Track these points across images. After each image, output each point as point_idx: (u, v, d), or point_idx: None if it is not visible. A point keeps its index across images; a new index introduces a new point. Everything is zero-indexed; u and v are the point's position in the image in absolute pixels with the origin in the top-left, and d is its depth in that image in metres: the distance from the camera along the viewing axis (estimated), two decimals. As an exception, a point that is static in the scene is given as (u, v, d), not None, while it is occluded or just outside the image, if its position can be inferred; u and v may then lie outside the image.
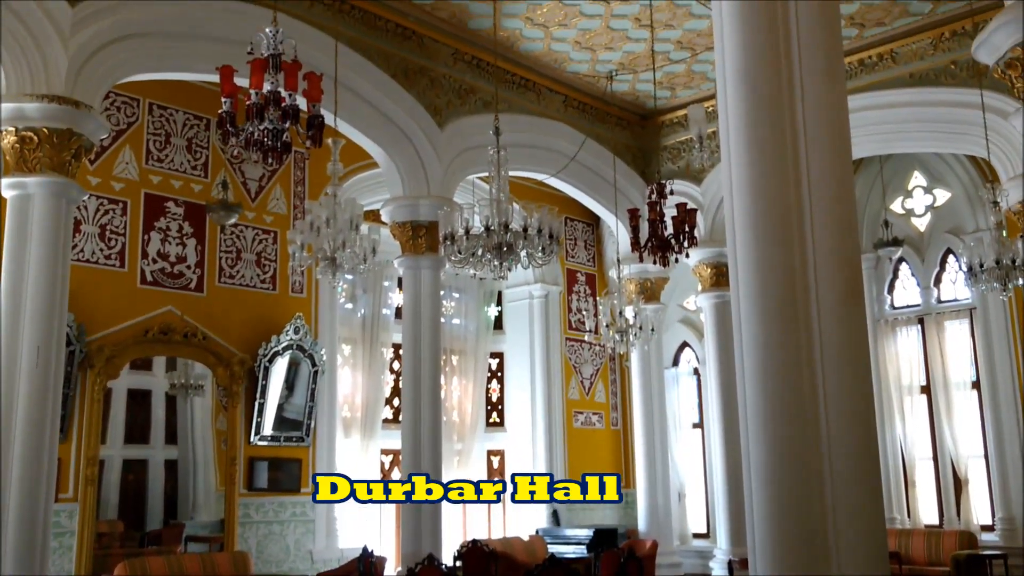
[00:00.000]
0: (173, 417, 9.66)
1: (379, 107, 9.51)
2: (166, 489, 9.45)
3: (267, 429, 9.76)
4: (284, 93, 4.90)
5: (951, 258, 12.53)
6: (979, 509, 11.83)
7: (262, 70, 4.87)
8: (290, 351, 9.91)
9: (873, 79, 10.38)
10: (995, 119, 9.07)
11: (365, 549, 8.80)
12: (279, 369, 9.85)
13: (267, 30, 5.03)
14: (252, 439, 9.66)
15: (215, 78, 5.30)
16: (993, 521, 11.59)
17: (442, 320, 10.15)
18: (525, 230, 6.51)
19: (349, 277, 6.94)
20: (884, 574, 3.78)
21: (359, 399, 11.16)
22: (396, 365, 11.55)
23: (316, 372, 10.11)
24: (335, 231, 6.84)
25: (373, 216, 10.58)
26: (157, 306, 9.19)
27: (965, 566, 10.54)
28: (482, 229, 6.54)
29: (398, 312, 11.26)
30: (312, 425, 10.12)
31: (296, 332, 9.97)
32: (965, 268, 8.74)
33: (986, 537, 11.53)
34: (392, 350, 11.56)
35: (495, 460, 13.17)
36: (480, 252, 6.57)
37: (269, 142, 4.89)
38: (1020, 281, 8.42)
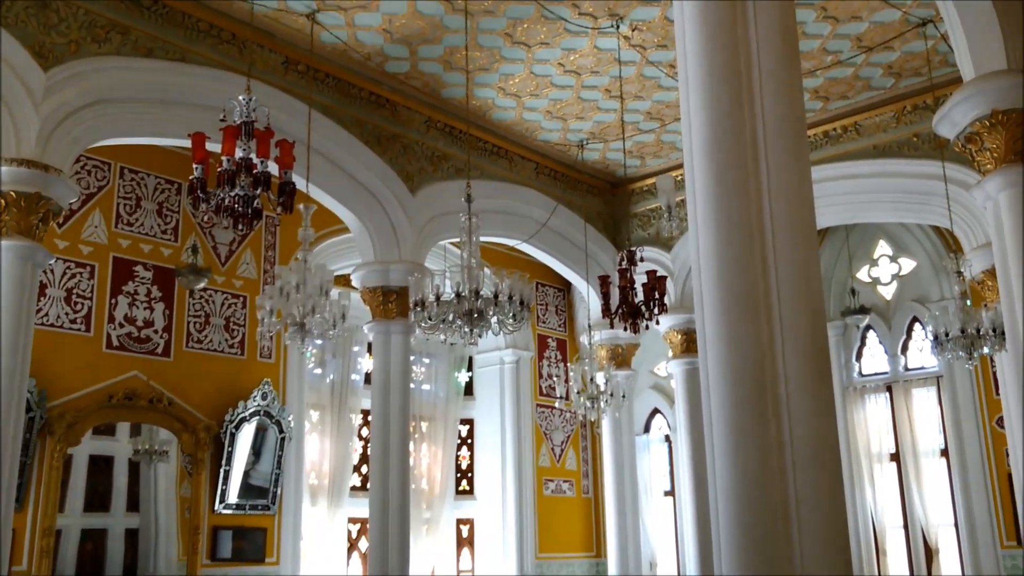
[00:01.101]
0: (135, 484, 9.42)
1: (351, 173, 9.56)
2: (125, 560, 9.17)
3: (232, 497, 9.57)
4: (256, 160, 4.92)
5: (917, 326, 12.67)
6: (951, 578, 11.80)
7: (234, 137, 4.90)
8: (257, 417, 9.78)
9: (838, 150, 10.59)
10: (957, 190, 9.25)
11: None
12: (246, 435, 9.70)
13: (240, 97, 5.07)
14: (217, 507, 9.45)
15: (187, 143, 5.31)
16: (965, 590, 11.55)
17: (412, 386, 10.07)
18: (496, 296, 6.51)
19: (318, 342, 6.89)
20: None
21: (327, 466, 10.98)
22: (364, 431, 11.41)
23: (283, 439, 9.96)
24: (305, 296, 6.81)
25: (343, 281, 10.56)
26: (123, 371, 9.05)
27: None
28: (453, 295, 6.54)
29: (367, 378, 11.16)
30: (278, 493, 9.93)
31: (264, 398, 9.85)
32: (931, 336, 8.81)
33: (958, 607, 11.48)
34: (361, 416, 11.42)
35: (464, 529, 12.97)
36: (451, 318, 6.56)
37: (240, 208, 4.90)
38: (985, 350, 8.49)
